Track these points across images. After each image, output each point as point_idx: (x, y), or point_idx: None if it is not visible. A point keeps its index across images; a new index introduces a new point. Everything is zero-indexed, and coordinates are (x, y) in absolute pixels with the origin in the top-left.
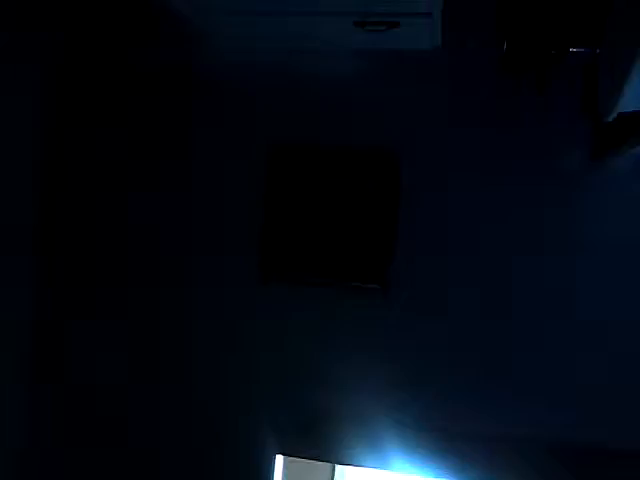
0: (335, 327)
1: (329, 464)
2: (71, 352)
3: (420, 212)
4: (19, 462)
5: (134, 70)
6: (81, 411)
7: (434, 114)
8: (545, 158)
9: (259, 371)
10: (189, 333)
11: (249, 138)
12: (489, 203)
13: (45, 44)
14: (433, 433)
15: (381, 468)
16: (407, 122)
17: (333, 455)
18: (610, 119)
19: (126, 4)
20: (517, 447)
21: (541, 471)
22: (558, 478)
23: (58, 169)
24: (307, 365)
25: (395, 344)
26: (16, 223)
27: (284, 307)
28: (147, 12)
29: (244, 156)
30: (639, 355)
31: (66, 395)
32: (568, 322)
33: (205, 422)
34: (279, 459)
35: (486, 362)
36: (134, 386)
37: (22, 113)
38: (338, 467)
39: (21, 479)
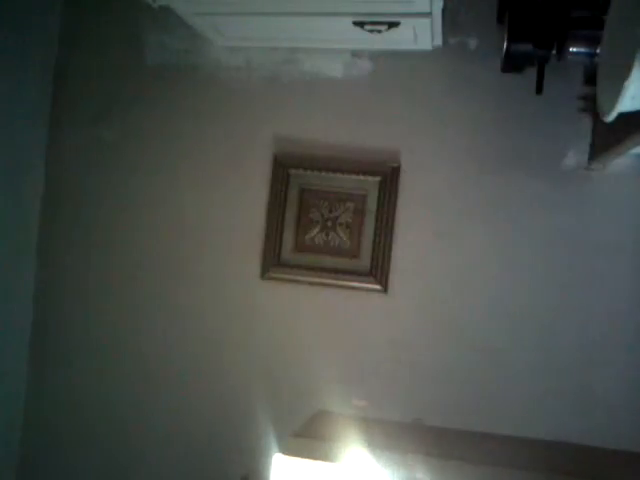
0: (335, 327)
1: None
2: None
3: (419, 211)
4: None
5: (134, 71)
6: (79, 410)
7: (434, 114)
8: (545, 158)
9: (259, 370)
10: (187, 332)
11: (249, 137)
12: (488, 203)
13: (42, 43)
14: (433, 432)
15: (381, 468)
16: (407, 122)
17: (333, 455)
18: (610, 119)
19: (126, 4)
20: (518, 446)
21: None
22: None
23: (57, 166)
24: (307, 364)
25: (395, 344)
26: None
27: (284, 306)
28: (146, 12)
29: (244, 156)
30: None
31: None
32: (568, 321)
33: (204, 422)
34: (279, 459)
35: (487, 362)
36: (132, 385)
37: (19, 113)
38: (338, 467)
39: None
